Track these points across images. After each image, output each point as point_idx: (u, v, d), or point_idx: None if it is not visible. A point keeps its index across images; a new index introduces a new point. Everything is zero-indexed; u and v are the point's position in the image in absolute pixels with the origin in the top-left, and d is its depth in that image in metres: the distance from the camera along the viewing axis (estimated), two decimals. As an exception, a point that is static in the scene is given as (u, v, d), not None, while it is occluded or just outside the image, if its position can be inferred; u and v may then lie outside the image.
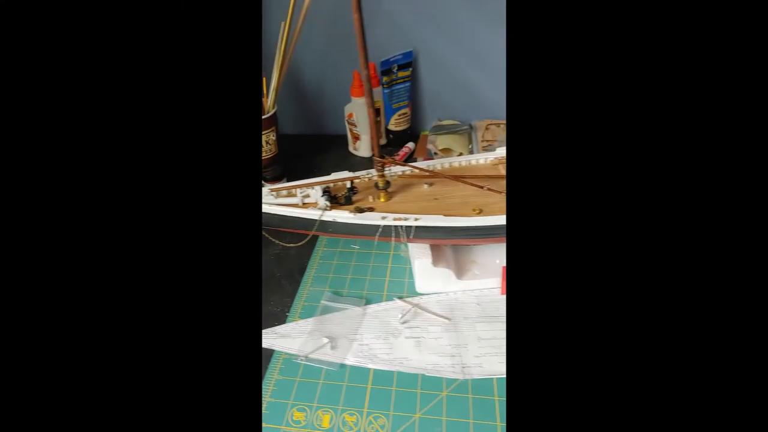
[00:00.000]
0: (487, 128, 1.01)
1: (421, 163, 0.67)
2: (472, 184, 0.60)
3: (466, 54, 0.97)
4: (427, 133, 1.04)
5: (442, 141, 0.95)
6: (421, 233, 0.57)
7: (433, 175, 0.63)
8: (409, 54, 0.96)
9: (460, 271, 0.67)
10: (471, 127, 1.02)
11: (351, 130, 1.00)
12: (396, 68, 0.96)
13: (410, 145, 1.00)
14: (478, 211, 0.57)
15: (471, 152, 0.94)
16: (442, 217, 0.55)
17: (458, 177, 0.61)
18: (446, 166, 0.67)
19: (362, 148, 0.99)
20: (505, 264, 0.63)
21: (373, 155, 0.58)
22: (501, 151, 0.68)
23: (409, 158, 0.98)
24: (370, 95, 0.52)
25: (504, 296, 0.64)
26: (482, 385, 0.54)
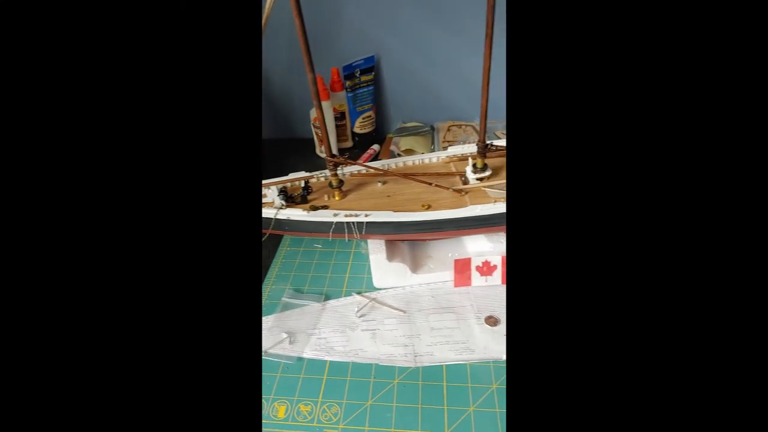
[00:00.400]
0: (449, 129, 1.04)
1: (374, 163, 0.70)
2: (421, 181, 0.63)
3: (427, 59, 1.00)
4: (391, 135, 1.07)
5: (404, 142, 0.98)
6: (373, 229, 0.60)
7: (384, 174, 0.65)
8: (371, 59, 0.99)
9: (415, 266, 0.69)
10: (433, 128, 1.05)
11: (317, 134, 1.02)
12: (359, 72, 0.99)
13: (375, 147, 1.03)
14: (426, 207, 0.60)
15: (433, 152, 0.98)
16: (391, 213, 0.58)
17: (407, 174, 0.64)
18: (400, 165, 0.70)
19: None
20: (456, 257, 0.66)
21: (326, 155, 0.60)
22: (452, 150, 0.71)
23: (375, 159, 1.01)
24: (317, 98, 0.54)
25: (455, 288, 0.67)
26: (432, 371, 0.56)
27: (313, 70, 0.51)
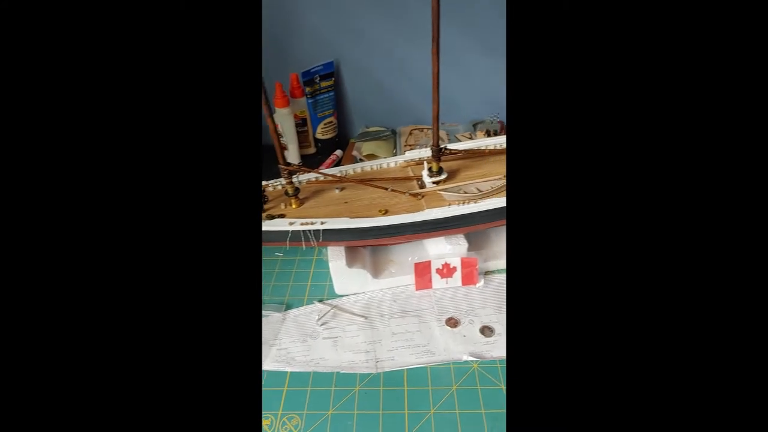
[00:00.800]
0: (411, 133, 1.05)
1: (332, 169, 0.69)
2: (378, 186, 0.63)
3: (388, 63, 1.01)
4: (354, 139, 1.06)
5: (366, 147, 0.98)
6: (330, 236, 0.59)
7: (339, 180, 0.65)
8: (329, 65, 0.99)
9: (377, 271, 0.69)
10: (395, 132, 1.06)
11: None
12: (318, 78, 0.98)
13: (338, 152, 1.02)
14: (383, 212, 0.60)
15: (395, 156, 0.98)
16: (347, 219, 0.58)
17: (363, 180, 0.64)
18: (358, 170, 0.70)
19: (290, 157, 1.01)
20: (416, 261, 0.66)
21: (278, 163, 0.59)
22: (410, 154, 0.71)
23: (338, 165, 1.01)
24: (267, 104, 0.54)
25: (417, 291, 0.67)
26: (393, 376, 0.56)
27: (261, 80, 0.51)
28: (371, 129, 1.07)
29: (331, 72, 0.99)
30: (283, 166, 0.59)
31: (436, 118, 0.59)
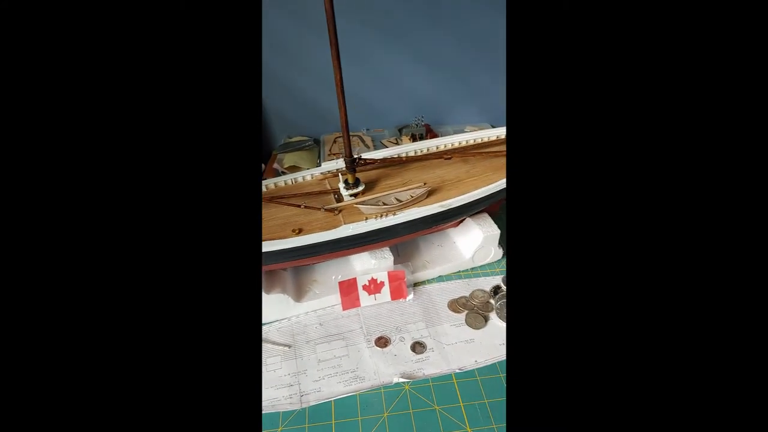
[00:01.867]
0: (335, 141, 1.01)
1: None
2: (289, 204, 0.58)
3: (306, 73, 0.96)
4: (276, 151, 1.01)
5: (288, 159, 0.93)
6: (240, 263, 0.54)
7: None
8: (241, 73, 0.93)
9: (299, 293, 0.64)
10: (318, 142, 1.01)
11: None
12: (230, 89, 0.92)
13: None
14: (297, 231, 0.56)
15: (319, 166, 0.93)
16: (256, 243, 0.53)
17: (274, 199, 0.59)
18: (271, 186, 0.65)
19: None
20: (341, 279, 0.62)
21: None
22: (326, 166, 0.67)
23: (259, 180, 0.95)
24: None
25: (344, 311, 0.63)
26: (319, 410, 0.52)
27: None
28: (293, 139, 1.02)
29: (243, 81, 0.93)
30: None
31: (345, 127, 0.55)
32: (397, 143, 1.00)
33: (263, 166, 0.97)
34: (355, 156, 0.60)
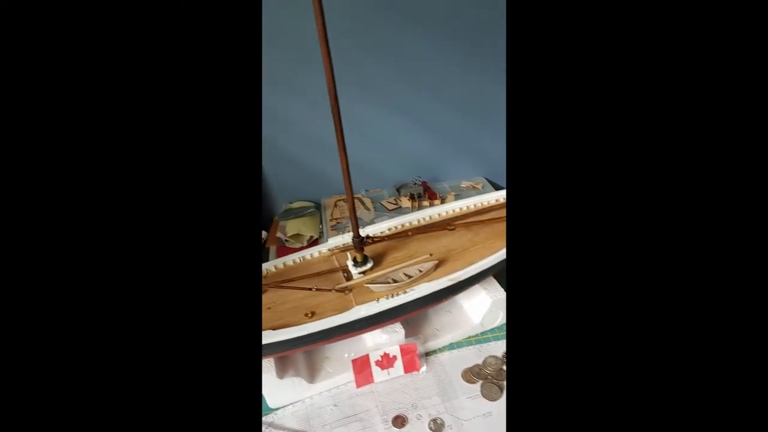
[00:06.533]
0: (335, 205, 1.03)
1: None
2: (301, 288, 0.59)
3: (301, 139, 0.99)
4: (277, 217, 1.02)
5: (291, 227, 0.94)
6: (254, 352, 0.54)
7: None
8: (242, 147, 0.95)
9: (312, 373, 0.64)
10: (319, 206, 1.03)
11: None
12: (231, 162, 0.94)
13: (263, 234, 0.97)
14: (310, 315, 0.56)
15: (321, 233, 0.95)
16: (269, 332, 0.53)
17: (284, 285, 0.60)
18: (280, 266, 0.66)
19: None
20: (353, 357, 0.62)
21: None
22: (333, 242, 0.68)
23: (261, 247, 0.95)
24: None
25: (358, 389, 0.63)
26: (341, 504, 0.50)
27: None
28: (294, 205, 1.03)
29: (244, 154, 0.96)
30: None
31: (352, 209, 0.57)
32: (396, 203, 1.02)
33: (265, 233, 0.98)
34: (363, 235, 0.61)
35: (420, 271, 0.61)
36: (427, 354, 0.68)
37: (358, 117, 0.96)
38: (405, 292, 0.58)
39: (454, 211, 0.75)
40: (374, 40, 0.92)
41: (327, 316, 0.55)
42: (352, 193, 0.56)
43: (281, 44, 0.85)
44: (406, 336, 0.65)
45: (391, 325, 0.64)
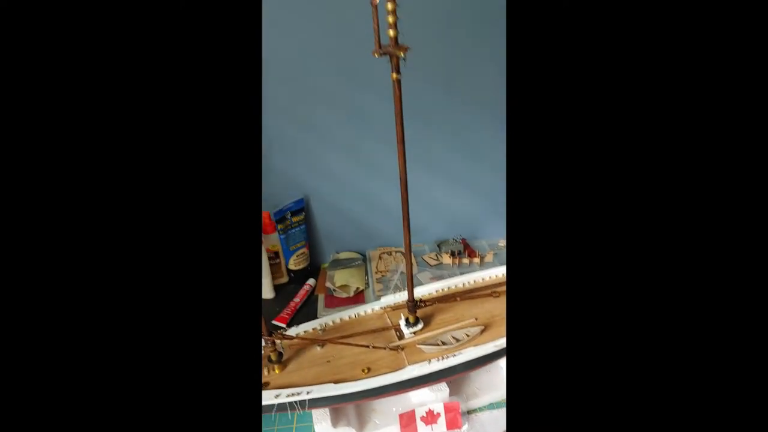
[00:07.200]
0: (380, 257, 1.10)
1: (311, 323, 0.71)
2: (357, 345, 0.65)
3: (353, 194, 1.08)
4: (326, 266, 1.10)
5: (339, 278, 1.01)
6: (315, 403, 0.60)
7: (321, 340, 0.67)
8: (300, 201, 1.04)
9: (361, 424, 0.69)
10: (364, 257, 1.10)
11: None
12: (290, 215, 1.03)
13: (311, 281, 1.05)
14: (366, 371, 0.62)
15: (367, 284, 1.01)
16: (332, 385, 0.59)
17: (343, 341, 0.66)
18: (337, 320, 0.72)
19: (264, 291, 1.02)
20: (400, 411, 0.67)
21: (261, 333, 0.61)
22: (385, 300, 0.75)
23: (311, 295, 1.02)
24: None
25: (405, 445, 0.67)
26: None
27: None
28: (342, 256, 1.11)
29: (301, 207, 1.05)
30: (265, 337, 0.60)
31: (410, 280, 0.64)
32: (437, 259, 1.08)
33: (314, 280, 1.06)
34: (416, 300, 0.67)
35: (467, 335, 0.66)
36: (469, 412, 0.72)
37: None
38: (453, 355, 0.63)
39: (497, 276, 0.81)
40: (419, 108, 1.01)
41: (382, 373, 0.61)
42: (411, 266, 0.63)
43: (355, 120, 0.96)
44: (450, 394, 0.70)
45: (438, 384, 0.69)
